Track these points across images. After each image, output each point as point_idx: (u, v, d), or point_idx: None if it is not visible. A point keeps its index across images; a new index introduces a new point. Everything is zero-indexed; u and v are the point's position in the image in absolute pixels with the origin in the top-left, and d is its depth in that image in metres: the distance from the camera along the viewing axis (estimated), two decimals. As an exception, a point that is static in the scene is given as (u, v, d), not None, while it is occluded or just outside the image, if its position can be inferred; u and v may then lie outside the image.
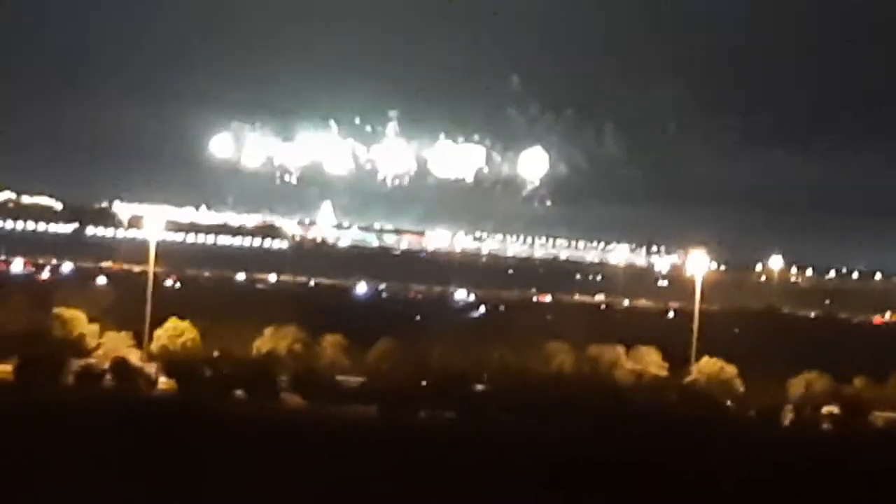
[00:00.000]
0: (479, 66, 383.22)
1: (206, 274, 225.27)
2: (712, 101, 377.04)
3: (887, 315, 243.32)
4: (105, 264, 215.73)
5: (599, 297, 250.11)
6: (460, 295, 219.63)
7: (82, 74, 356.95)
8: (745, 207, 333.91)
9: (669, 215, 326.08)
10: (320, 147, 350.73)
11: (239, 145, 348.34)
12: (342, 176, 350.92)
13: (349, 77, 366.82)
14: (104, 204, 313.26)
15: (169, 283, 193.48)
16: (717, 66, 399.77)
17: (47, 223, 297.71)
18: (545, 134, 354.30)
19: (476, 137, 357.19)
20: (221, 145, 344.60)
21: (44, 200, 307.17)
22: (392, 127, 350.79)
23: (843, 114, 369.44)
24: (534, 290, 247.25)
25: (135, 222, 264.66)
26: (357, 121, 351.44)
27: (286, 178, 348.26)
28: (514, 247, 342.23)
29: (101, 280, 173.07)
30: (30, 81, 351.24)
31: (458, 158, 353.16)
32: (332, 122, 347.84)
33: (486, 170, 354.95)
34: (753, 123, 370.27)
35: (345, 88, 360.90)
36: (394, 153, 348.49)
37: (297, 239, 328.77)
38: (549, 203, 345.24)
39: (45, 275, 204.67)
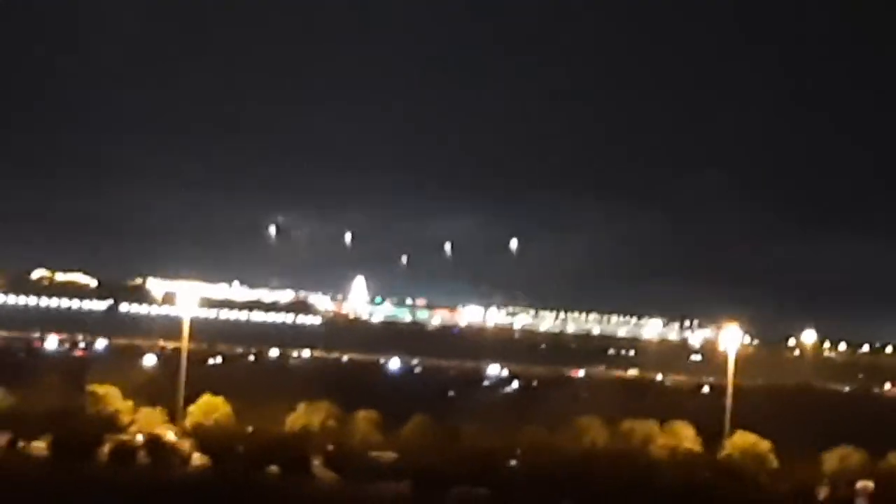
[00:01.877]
0: (520, 145, 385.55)
1: (240, 350, 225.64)
2: (751, 183, 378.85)
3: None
4: (139, 341, 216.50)
5: (632, 372, 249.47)
6: (493, 370, 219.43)
7: (117, 155, 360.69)
8: (778, 283, 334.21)
9: (703, 291, 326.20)
10: (357, 223, 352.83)
11: (274, 223, 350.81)
12: (378, 252, 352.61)
13: (389, 154, 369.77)
14: (138, 281, 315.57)
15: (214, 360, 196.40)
16: (755, 150, 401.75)
17: (82, 300, 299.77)
18: (584, 213, 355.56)
19: (514, 214, 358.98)
20: (258, 223, 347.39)
21: (79, 277, 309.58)
22: (429, 203, 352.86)
23: (877, 198, 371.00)
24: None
25: (168, 299, 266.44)
26: (394, 197, 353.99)
27: (321, 253, 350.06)
28: (546, 322, 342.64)
29: (136, 356, 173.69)
30: (65, 163, 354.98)
31: (495, 234, 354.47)
32: (370, 199, 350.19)
33: (521, 246, 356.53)
34: (790, 205, 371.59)
35: (385, 166, 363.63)
36: (431, 229, 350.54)
37: (331, 314, 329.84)
38: (584, 279, 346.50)
39: (80, 351, 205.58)
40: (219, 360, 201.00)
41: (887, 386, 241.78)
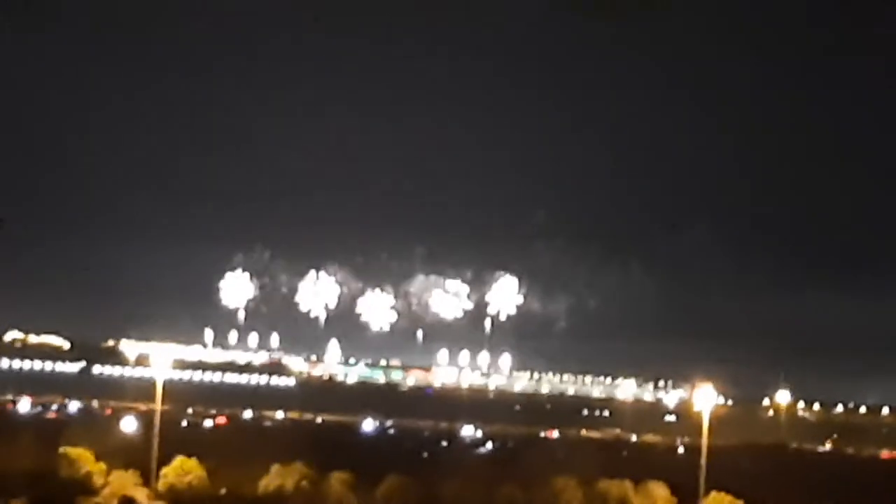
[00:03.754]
0: (505, 203, 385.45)
1: (213, 412, 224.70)
2: (727, 242, 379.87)
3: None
4: (112, 403, 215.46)
5: (608, 432, 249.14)
6: (468, 431, 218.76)
7: (88, 215, 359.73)
8: (753, 343, 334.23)
9: (677, 351, 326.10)
10: (340, 284, 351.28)
11: (248, 283, 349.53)
12: (353, 312, 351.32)
13: (376, 215, 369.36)
14: (111, 343, 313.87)
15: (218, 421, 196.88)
16: (733, 208, 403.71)
17: (55, 362, 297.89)
18: (561, 271, 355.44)
19: (499, 275, 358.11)
20: (231, 283, 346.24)
21: (52, 339, 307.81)
22: (405, 263, 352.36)
23: (857, 257, 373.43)
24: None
25: (142, 360, 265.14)
26: (384, 257, 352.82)
27: (295, 314, 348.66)
28: (520, 382, 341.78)
29: (109, 418, 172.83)
30: (37, 221, 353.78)
31: (464, 295, 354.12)
32: (358, 260, 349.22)
33: (497, 307, 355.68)
34: (766, 265, 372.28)
35: (372, 226, 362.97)
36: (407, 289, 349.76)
37: (305, 376, 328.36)
38: (559, 339, 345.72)
39: (52, 413, 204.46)
40: (210, 422, 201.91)
41: (884, 452, 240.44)
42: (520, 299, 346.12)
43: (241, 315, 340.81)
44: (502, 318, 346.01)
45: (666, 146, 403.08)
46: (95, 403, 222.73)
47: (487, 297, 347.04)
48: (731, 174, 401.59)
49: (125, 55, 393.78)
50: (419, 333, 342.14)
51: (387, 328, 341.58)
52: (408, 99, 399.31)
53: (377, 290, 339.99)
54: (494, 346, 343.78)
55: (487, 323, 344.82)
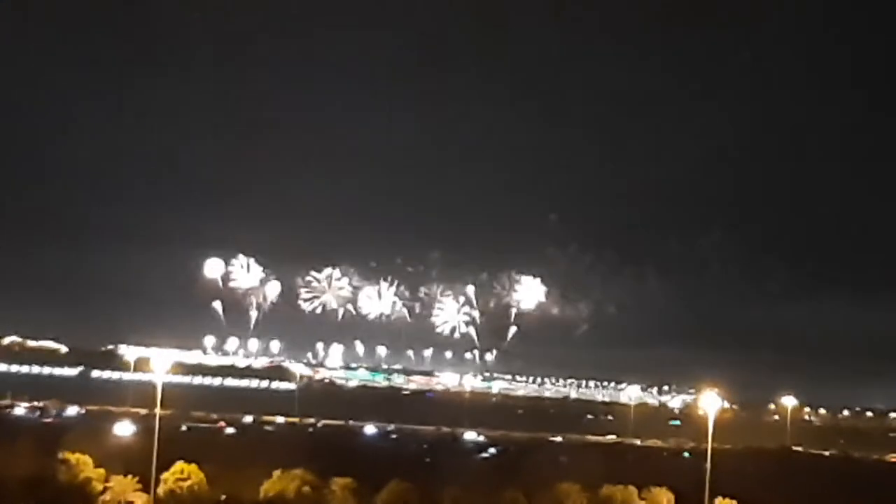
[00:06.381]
0: (518, 209, 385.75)
1: (213, 416, 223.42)
2: (731, 250, 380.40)
3: None
4: (110, 407, 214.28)
5: (611, 437, 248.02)
6: (470, 435, 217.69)
7: (87, 219, 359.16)
8: (758, 348, 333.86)
9: (686, 356, 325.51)
10: (355, 288, 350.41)
11: (250, 286, 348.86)
12: (354, 317, 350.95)
13: (391, 220, 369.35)
14: (110, 347, 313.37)
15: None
16: (738, 219, 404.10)
17: (53, 366, 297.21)
18: (573, 279, 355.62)
19: (508, 280, 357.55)
20: (232, 287, 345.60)
21: (50, 344, 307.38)
22: (410, 267, 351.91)
23: (863, 263, 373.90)
24: None
25: (141, 365, 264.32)
26: (398, 262, 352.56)
27: (297, 319, 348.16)
28: (523, 387, 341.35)
29: (107, 423, 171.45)
30: (35, 227, 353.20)
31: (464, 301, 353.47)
32: (372, 264, 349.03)
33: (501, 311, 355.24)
34: (771, 271, 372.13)
35: (385, 231, 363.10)
36: (411, 294, 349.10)
37: (305, 380, 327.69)
38: (569, 345, 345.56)
39: (49, 418, 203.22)
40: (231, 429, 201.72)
41: (891, 455, 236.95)
42: (530, 305, 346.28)
43: (243, 320, 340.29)
44: (511, 323, 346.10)
45: (680, 154, 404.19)
46: (94, 407, 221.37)
47: (494, 303, 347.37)
48: (742, 182, 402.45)
49: (127, 56, 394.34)
50: (422, 338, 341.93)
51: (392, 331, 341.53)
52: (427, 106, 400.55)
53: (390, 289, 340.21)
54: (498, 351, 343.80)
55: (493, 328, 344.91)
